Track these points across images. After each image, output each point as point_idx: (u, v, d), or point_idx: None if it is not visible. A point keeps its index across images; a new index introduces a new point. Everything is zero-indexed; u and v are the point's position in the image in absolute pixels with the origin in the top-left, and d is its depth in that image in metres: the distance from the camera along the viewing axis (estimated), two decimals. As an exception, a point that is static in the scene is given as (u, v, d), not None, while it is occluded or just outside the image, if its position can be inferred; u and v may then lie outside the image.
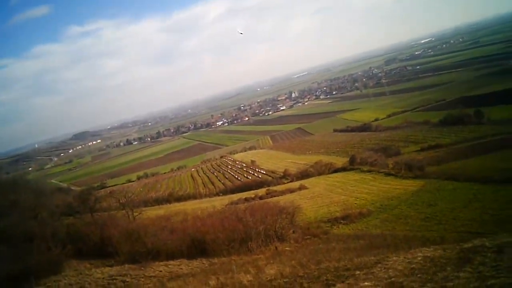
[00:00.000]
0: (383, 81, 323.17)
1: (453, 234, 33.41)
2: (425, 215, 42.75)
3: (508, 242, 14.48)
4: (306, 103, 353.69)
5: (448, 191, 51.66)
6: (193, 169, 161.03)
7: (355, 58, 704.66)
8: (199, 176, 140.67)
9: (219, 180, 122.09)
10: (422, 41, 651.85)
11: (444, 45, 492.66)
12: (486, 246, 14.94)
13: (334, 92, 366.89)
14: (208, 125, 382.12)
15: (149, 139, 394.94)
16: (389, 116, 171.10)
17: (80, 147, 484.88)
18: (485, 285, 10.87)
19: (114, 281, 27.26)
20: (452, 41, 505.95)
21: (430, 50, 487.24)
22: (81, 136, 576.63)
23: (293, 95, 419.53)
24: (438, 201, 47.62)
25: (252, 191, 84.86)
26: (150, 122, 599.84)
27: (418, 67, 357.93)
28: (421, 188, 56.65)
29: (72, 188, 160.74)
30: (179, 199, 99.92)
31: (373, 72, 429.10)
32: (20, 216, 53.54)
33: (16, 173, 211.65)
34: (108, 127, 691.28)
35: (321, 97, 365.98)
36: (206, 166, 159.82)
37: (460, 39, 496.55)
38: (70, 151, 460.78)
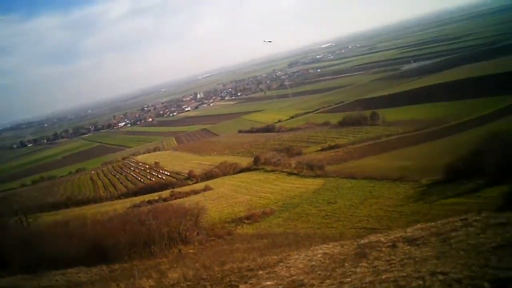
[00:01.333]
0: (286, 83, 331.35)
1: (351, 230, 34.85)
2: (325, 212, 44.24)
3: (401, 237, 15.16)
4: (211, 104, 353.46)
5: (347, 189, 53.86)
6: (93, 172, 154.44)
7: (260, 61, 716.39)
8: (100, 179, 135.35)
9: (121, 183, 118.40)
10: (323, 46, 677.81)
11: (343, 50, 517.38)
12: (381, 241, 15.54)
13: (239, 94, 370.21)
14: (109, 126, 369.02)
15: (45, 141, 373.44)
16: (291, 117, 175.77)
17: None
18: (379, 279, 11.22)
19: (4, 294, 25.38)
20: (350, 47, 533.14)
21: (330, 55, 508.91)
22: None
23: (198, 96, 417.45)
24: (337, 198, 49.49)
25: (156, 193, 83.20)
26: (46, 123, 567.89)
27: (319, 70, 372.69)
28: (322, 186, 58.56)
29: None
30: (78, 203, 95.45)
31: (277, 74, 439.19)
32: None
33: None
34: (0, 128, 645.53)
35: (226, 98, 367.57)
36: (107, 169, 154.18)
37: (358, 45, 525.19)
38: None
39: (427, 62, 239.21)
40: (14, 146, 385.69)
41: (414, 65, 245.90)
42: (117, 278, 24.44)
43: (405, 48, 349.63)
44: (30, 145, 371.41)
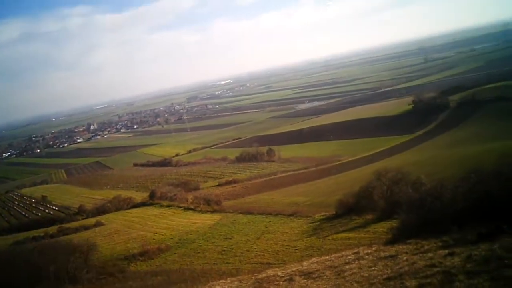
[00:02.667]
0: (185, 117, 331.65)
1: (247, 266, 34.85)
2: (222, 248, 43.98)
3: (298, 271, 15.42)
4: (105, 136, 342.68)
5: (243, 224, 54.16)
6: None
7: (158, 94, 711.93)
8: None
9: (3, 218, 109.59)
10: (222, 82, 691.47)
11: (241, 87, 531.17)
12: (278, 275, 15.71)
13: (135, 126, 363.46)
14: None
15: None
16: (189, 151, 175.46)
17: None
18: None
19: None
20: (248, 84, 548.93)
21: (228, 91, 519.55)
22: None
23: (92, 127, 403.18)
24: (234, 233, 49.51)
25: (42, 229, 77.73)
26: None
27: (217, 106, 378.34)
28: (218, 221, 58.41)
29: None
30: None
31: (175, 108, 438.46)
32: None
33: None
34: None
35: (122, 130, 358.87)
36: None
37: (256, 83, 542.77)
38: None
39: (321, 102, 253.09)
40: None
41: (308, 105, 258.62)
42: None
43: (300, 88, 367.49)
44: None
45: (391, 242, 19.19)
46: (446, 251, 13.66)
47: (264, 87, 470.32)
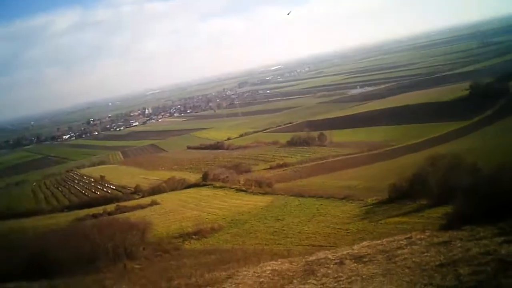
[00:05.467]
0: (236, 102, 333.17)
1: (298, 247, 35.15)
2: (273, 229, 44.46)
3: (348, 254, 15.49)
4: (159, 120, 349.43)
5: (294, 206, 54.44)
6: (34, 184, 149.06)
7: (210, 80, 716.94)
8: (42, 191, 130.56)
9: (64, 196, 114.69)
10: (272, 68, 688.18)
11: (291, 73, 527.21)
12: (329, 258, 15.82)
13: (188, 111, 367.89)
14: (53, 138, 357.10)
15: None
16: (241, 135, 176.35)
17: None
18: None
19: None
20: (298, 70, 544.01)
21: (279, 77, 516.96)
22: None
23: (146, 111, 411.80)
24: (285, 215, 49.91)
25: (101, 207, 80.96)
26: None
27: (268, 91, 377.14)
28: (270, 203, 58.94)
29: None
30: (18, 215, 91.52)
31: (227, 93, 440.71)
32: None
33: None
34: None
35: (175, 114, 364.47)
36: (50, 181, 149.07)
37: (306, 69, 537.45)
38: None
39: (373, 87, 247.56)
40: None
41: (359, 90, 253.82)
42: (59, 293, 23.61)
43: (352, 74, 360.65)
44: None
45: (445, 228, 18.84)
46: (502, 239, 13.36)
47: (315, 73, 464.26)
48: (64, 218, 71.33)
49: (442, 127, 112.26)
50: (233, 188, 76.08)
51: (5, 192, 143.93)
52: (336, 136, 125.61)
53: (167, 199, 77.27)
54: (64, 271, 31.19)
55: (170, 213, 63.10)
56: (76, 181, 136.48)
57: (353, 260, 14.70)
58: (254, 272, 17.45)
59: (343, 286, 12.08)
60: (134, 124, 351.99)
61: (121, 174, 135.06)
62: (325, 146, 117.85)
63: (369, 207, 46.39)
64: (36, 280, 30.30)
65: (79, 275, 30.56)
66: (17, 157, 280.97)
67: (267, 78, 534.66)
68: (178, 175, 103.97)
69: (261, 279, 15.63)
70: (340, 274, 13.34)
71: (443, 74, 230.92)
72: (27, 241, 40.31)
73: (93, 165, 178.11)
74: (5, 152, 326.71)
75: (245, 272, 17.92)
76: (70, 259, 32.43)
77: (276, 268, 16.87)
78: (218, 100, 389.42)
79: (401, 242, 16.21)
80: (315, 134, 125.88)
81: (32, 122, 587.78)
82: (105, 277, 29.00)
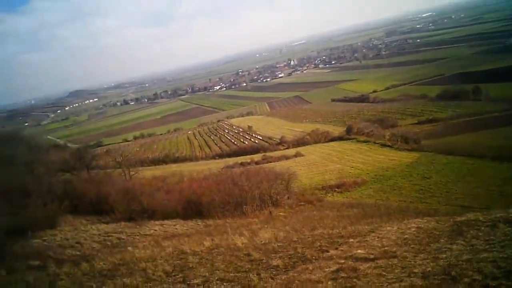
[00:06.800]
0: (383, 53, 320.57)
1: (446, 207, 33.81)
2: (419, 187, 43.15)
3: (502, 217, 14.63)
4: (304, 72, 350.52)
5: (443, 164, 52.03)
6: (189, 132, 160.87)
7: (355, 29, 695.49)
8: (196, 139, 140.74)
9: (215, 144, 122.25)
10: (424, 15, 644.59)
11: (445, 20, 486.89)
12: (480, 220, 15.09)
13: (333, 62, 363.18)
14: (205, 88, 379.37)
15: (146, 100, 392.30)
16: (387, 88, 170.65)
17: (76, 105, 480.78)
18: (477, 258, 11.01)
19: (110, 237, 27.51)
20: (453, 16, 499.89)
21: (431, 24, 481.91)
22: (77, 94, 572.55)
23: (292, 63, 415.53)
24: (432, 173, 48.01)
25: (248, 156, 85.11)
26: (147, 84, 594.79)
27: (418, 40, 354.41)
28: (416, 160, 57.02)
29: (69, 145, 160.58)
30: (175, 160, 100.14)
31: (373, 43, 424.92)
32: (15, 171, 53.73)
33: (12, 127, 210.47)
34: (105, 86, 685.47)
35: (320, 66, 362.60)
36: (203, 129, 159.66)
37: (462, 15, 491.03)
38: (66, 109, 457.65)
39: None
40: (118, 103, 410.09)
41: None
42: (211, 233, 25.60)
43: None
44: (133, 103, 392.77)
45: None
46: None
47: (471, 19, 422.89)
48: (215, 165, 76.05)
49: None
50: (377, 143, 74.72)
51: (165, 139, 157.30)
52: (493, 90, 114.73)
53: (311, 151, 78.46)
54: (215, 213, 33.78)
55: (313, 165, 64.14)
56: (226, 131, 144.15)
57: (508, 224, 13.86)
58: (398, 228, 17.32)
59: (495, 249, 11.53)
60: (279, 75, 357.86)
61: (267, 125, 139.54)
62: (480, 100, 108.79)
63: (528, 169, 42.69)
64: (191, 219, 33.31)
65: (228, 218, 32.89)
66: (174, 106, 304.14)
67: (417, 26, 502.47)
68: (322, 127, 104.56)
69: (405, 235, 15.48)
70: (492, 237, 12.72)
71: None
72: (183, 184, 44.00)
73: (241, 115, 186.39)
74: (164, 101, 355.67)
75: (388, 228, 17.85)
76: (221, 203, 34.89)
77: (422, 226, 16.54)
78: (364, 51, 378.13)
79: None
80: (468, 87, 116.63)
81: (187, 73, 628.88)
82: (252, 221, 30.76)
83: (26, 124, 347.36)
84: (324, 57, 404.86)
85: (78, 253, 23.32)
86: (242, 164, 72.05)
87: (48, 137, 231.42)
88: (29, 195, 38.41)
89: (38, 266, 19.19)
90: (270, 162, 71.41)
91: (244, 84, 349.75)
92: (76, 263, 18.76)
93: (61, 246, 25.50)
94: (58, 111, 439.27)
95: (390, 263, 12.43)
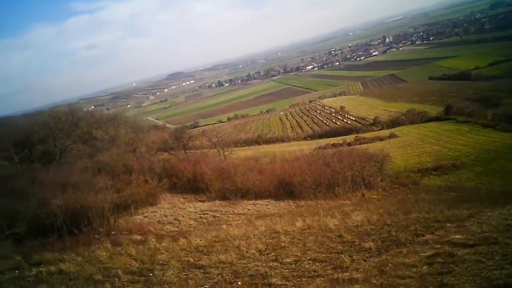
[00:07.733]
0: (487, 26, 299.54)
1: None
2: (526, 171, 40.30)
3: None
4: (400, 49, 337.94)
5: (553, 147, 48.27)
6: (281, 113, 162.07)
7: (455, 2, 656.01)
8: (288, 119, 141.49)
9: (307, 125, 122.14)
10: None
11: None
12: None
13: (431, 38, 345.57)
14: (297, 69, 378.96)
15: (239, 81, 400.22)
16: (491, 64, 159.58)
17: (174, 87, 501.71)
18: None
19: (205, 215, 28.71)
20: None
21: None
22: (175, 77, 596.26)
23: (387, 40, 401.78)
24: (543, 157, 44.65)
25: (340, 137, 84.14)
26: (240, 65, 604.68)
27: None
28: (523, 142, 53.30)
29: (167, 125, 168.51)
30: (268, 141, 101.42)
31: (476, 17, 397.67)
32: (119, 150, 57.37)
33: (116, 109, 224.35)
34: (201, 68, 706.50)
35: (417, 42, 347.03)
36: (295, 110, 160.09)
37: None
38: (165, 91, 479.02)
39: None
40: (213, 85, 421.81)
41: None
42: (303, 213, 25.86)
43: None
44: (227, 84, 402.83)
45: None
46: None
47: None
48: (307, 146, 75.96)
49: None
50: (479, 124, 70.54)
51: (257, 119, 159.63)
52: None
53: (406, 132, 76.01)
54: (307, 194, 33.95)
55: (409, 147, 62.10)
56: (318, 111, 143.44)
57: None
58: (500, 213, 16.57)
59: None
60: (374, 53, 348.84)
61: (360, 105, 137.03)
62: None
63: None
64: (283, 199, 33.78)
65: (320, 199, 32.94)
66: (266, 87, 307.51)
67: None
68: (418, 107, 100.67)
69: (508, 221, 14.80)
70: None
71: None
72: (275, 165, 44.51)
73: (334, 95, 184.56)
74: (257, 82, 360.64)
75: (489, 213, 17.12)
76: (312, 184, 34.95)
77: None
78: (465, 25, 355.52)
79: None
80: None
81: (279, 54, 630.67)
82: (344, 203, 30.62)
83: (129, 106, 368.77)
84: (421, 33, 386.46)
85: (176, 229, 24.59)
86: (334, 145, 71.41)
87: (149, 118, 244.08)
88: (132, 172, 40.98)
89: (140, 241, 20.51)
90: (363, 143, 70.10)
91: (337, 63, 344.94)
92: (175, 239, 19.85)
93: (161, 222, 27.06)
94: (157, 93, 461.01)
95: (490, 249, 11.96)
